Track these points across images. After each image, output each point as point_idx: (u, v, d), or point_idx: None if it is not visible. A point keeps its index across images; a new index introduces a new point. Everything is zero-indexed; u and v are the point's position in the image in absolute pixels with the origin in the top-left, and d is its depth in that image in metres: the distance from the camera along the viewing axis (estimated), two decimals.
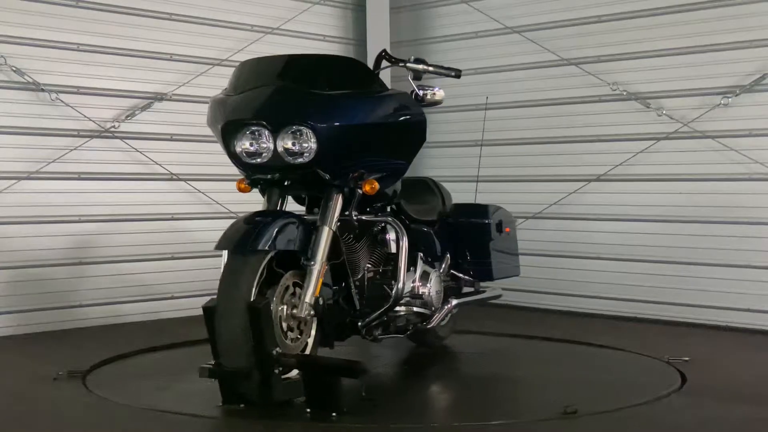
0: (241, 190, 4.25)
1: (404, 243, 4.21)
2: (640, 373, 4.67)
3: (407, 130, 4.20)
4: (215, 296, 3.75)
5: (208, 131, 6.99)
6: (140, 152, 6.33)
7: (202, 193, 6.60)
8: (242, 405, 3.79)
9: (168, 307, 6.42)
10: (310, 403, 3.79)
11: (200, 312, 3.78)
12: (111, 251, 6.21)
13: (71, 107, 6.02)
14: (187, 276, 6.54)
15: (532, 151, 6.89)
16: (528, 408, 4.05)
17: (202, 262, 6.64)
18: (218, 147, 6.52)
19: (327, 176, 3.97)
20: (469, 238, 5.16)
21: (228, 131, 3.99)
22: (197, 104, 6.62)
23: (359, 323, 4.14)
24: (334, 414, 3.71)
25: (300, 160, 3.89)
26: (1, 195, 5.74)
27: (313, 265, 3.84)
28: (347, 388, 3.78)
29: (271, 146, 3.90)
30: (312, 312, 3.82)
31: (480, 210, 5.26)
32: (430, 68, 4.35)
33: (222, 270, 3.82)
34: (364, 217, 4.24)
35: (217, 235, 3.74)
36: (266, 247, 3.73)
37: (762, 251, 5.82)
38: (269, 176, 4.06)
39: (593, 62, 6.54)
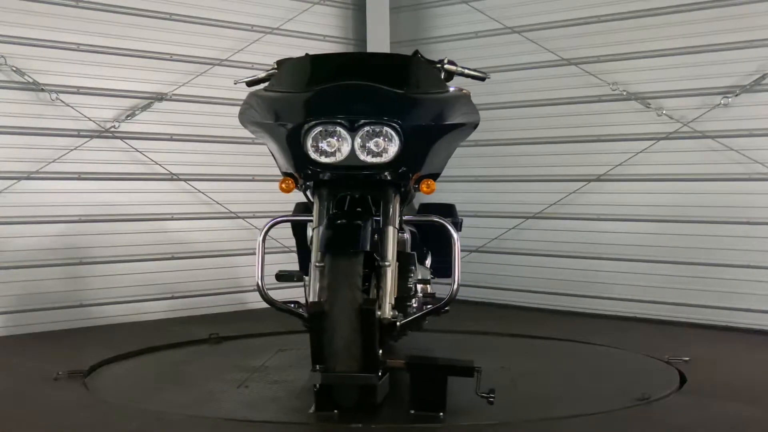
0: (283, 190, 4.04)
1: (458, 243, 4.14)
2: (640, 373, 4.67)
3: (467, 130, 4.15)
4: (315, 300, 3.63)
5: (208, 131, 7.01)
6: (140, 152, 6.33)
7: (202, 193, 6.60)
8: (336, 411, 3.68)
9: (168, 307, 6.42)
10: (416, 404, 3.73)
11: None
12: (111, 251, 6.21)
13: (71, 107, 6.02)
14: (187, 276, 6.54)
15: (532, 151, 6.89)
16: (529, 406, 4.04)
17: (202, 262, 6.65)
18: (218, 147, 6.49)
19: (398, 176, 3.90)
20: (436, 237, 5.14)
21: (296, 129, 3.80)
22: (197, 104, 6.65)
23: (398, 323, 3.98)
24: (441, 413, 3.69)
25: (379, 159, 3.79)
26: (1, 195, 5.75)
27: (388, 265, 3.78)
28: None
29: (349, 145, 3.76)
30: (396, 312, 3.77)
31: (448, 209, 5.23)
32: (466, 71, 4.33)
33: (326, 273, 3.66)
34: (415, 217, 4.20)
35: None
36: (367, 248, 3.68)
37: (762, 251, 5.81)
38: (342, 176, 3.88)
39: (593, 62, 6.54)
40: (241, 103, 4.09)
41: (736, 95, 5.90)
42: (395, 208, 3.91)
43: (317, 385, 3.63)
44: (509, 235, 6.91)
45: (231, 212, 6.67)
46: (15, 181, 5.80)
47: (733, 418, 3.76)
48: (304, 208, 4.98)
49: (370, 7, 7.62)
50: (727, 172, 5.96)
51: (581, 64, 6.59)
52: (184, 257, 6.55)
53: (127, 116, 6.30)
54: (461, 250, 4.11)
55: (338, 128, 3.75)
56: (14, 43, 5.81)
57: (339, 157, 3.77)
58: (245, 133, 6.74)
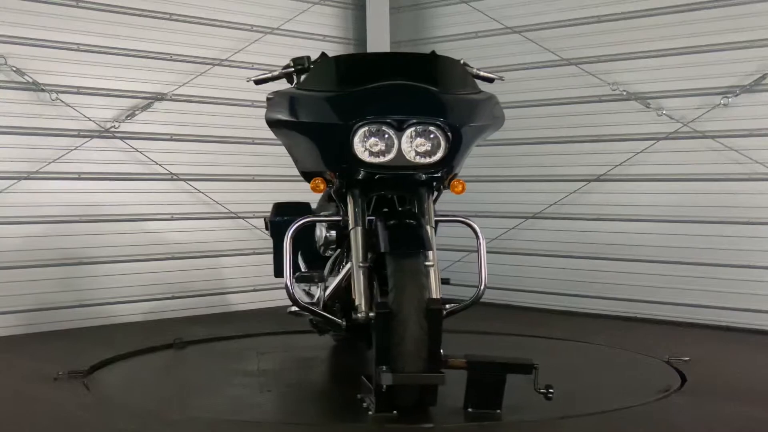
0: (315, 190, 4.04)
1: (484, 244, 4.13)
2: (640, 373, 4.67)
3: (493, 131, 4.16)
4: (382, 301, 3.61)
5: (208, 131, 7.01)
6: (140, 152, 6.33)
7: (202, 193, 6.60)
8: (395, 411, 3.64)
9: (168, 307, 6.42)
10: (473, 403, 3.74)
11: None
12: (111, 251, 6.21)
13: (71, 107, 6.02)
14: (187, 276, 6.54)
15: (532, 151, 6.89)
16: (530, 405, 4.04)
17: (202, 262, 6.65)
18: (217, 147, 6.49)
19: (441, 176, 3.91)
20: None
21: (344, 128, 3.76)
22: (197, 104, 6.65)
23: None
24: (498, 411, 3.71)
25: (426, 160, 3.79)
26: (1, 195, 5.74)
27: (431, 265, 3.77)
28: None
29: (397, 145, 3.75)
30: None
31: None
32: (480, 72, 4.33)
33: (391, 273, 3.63)
34: (441, 217, 4.19)
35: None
36: (431, 248, 3.69)
37: (762, 251, 5.82)
38: (390, 176, 3.86)
39: (593, 62, 6.54)
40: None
41: (736, 95, 5.90)
42: (431, 207, 3.94)
43: (384, 386, 3.57)
44: (509, 235, 6.90)
45: (231, 212, 6.67)
46: (15, 181, 5.80)
47: (733, 418, 3.76)
48: (285, 208, 5.00)
49: (370, 7, 7.62)
50: (727, 172, 5.96)
51: (581, 64, 6.59)
52: (184, 257, 6.55)
53: (127, 116, 6.30)
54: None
55: (387, 128, 3.75)
56: (14, 43, 5.81)
57: (387, 157, 3.77)
58: (245, 133, 6.83)
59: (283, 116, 4.01)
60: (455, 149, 3.82)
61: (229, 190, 6.73)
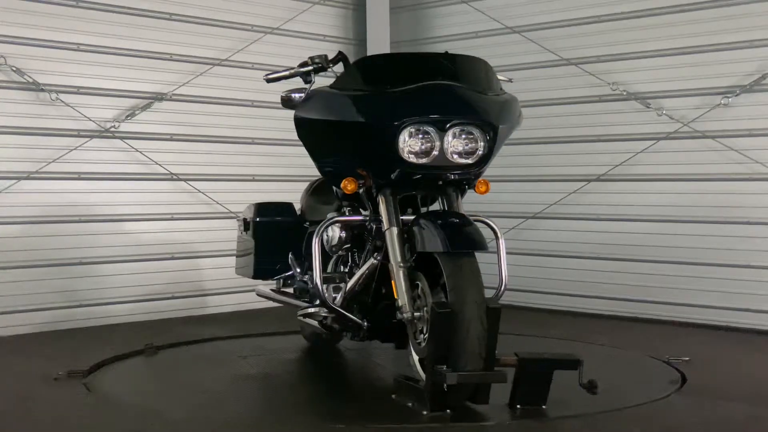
0: (349, 190, 4.01)
1: (503, 244, 4.18)
2: (640, 373, 4.66)
3: (515, 131, 4.22)
4: (442, 301, 3.61)
5: (208, 131, 7.01)
6: (140, 152, 6.33)
7: (202, 193, 6.60)
8: (448, 411, 3.65)
9: (168, 307, 6.42)
10: (521, 399, 3.77)
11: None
12: (111, 251, 6.21)
13: (71, 107, 6.02)
14: (187, 276, 6.55)
15: (532, 151, 6.89)
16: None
17: (202, 262, 6.65)
18: (218, 147, 6.48)
19: (475, 176, 3.96)
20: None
21: (387, 129, 3.76)
22: (197, 104, 6.65)
23: None
24: (543, 406, 3.75)
25: (466, 160, 3.83)
26: (1, 195, 5.75)
27: None
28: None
29: (439, 146, 3.77)
30: None
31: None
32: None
33: (449, 273, 3.63)
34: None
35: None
36: (486, 247, 3.71)
37: (762, 251, 5.81)
38: (432, 175, 3.89)
39: (593, 62, 6.54)
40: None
41: (736, 95, 5.90)
42: (461, 207, 3.98)
43: (446, 386, 3.56)
44: (509, 235, 6.89)
45: (231, 212, 6.66)
46: (15, 181, 5.80)
47: (733, 418, 3.76)
48: (268, 209, 5.00)
49: (370, 7, 7.62)
50: (727, 172, 5.96)
51: (581, 64, 6.59)
52: (184, 257, 6.55)
53: (127, 116, 6.30)
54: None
55: (431, 128, 3.76)
56: (14, 43, 5.81)
57: (429, 157, 3.78)
58: (245, 133, 6.83)
59: (321, 115, 4.00)
60: (492, 149, 3.87)
61: (229, 190, 6.73)
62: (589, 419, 3.70)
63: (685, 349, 5.01)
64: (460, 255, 3.66)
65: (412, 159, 3.77)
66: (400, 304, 3.74)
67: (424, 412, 3.64)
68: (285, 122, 6.53)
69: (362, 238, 4.27)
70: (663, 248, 6.21)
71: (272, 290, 5.21)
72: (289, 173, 6.71)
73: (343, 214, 4.39)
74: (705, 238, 6.04)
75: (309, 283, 4.82)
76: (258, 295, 5.38)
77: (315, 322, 4.55)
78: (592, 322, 6.22)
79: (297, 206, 5.21)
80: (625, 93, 6.38)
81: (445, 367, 3.52)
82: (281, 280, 5.15)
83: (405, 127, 3.74)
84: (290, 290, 5.14)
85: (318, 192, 5.02)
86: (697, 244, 6.07)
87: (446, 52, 4.18)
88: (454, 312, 3.53)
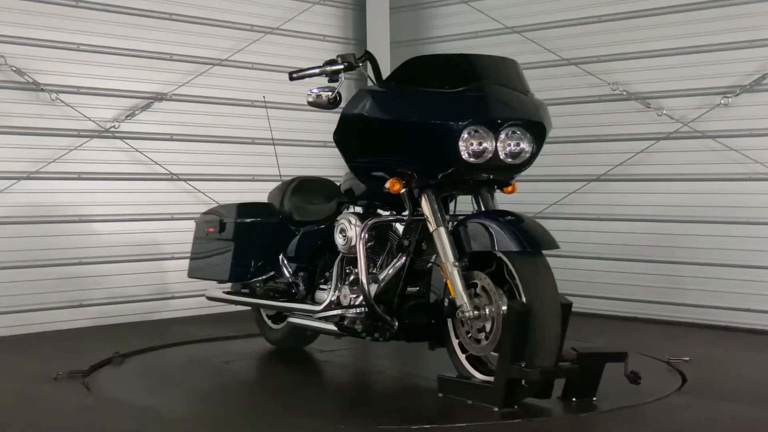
0: (395, 190, 4.02)
1: None
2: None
3: None
4: (518, 300, 3.66)
5: (208, 131, 7.00)
6: (140, 152, 6.33)
7: (202, 193, 6.60)
8: (516, 407, 3.69)
9: (168, 307, 6.43)
10: (576, 392, 3.83)
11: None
12: (111, 251, 6.21)
13: (71, 107, 6.02)
14: (187, 276, 6.53)
15: None
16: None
17: None
18: (218, 147, 6.47)
19: (515, 176, 4.07)
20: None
21: (449, 129, 3.82)
22: (197, 104, 6.65)
23: None
24: (594, 398, 3.83)
25: (515, 161, 3.95)
26: (1, 195, 5.75)
27: None
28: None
29: (493, 147, 3.87)
30: None
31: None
32: None
33: (523, 273, 3.74)
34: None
35: None
36: (557, 245, 3.87)
37: (762, 251, 5.81)
38: (482, 177, 4.00)
39: (593, 62, 6.54)
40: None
41: (736, 95, 5.90)
42: (497, 205, 4.09)
43: (527, 383, 3.62)
44: None
45: None
46: (15, 181, 5.80)
47: (733, 418, 3.75)
48: (250, 209, 5.03)
49: (370, 7, 7.62)
50: (727, 172, 5.96)
51: (581, 64, 6.59)
52: (184, 257, 6.53)
53: (127, 116, 6.30)
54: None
55: (488, 130, 3.84)
56: (14, 43, 5.81)
57: (484, 157, 3.87)
58: (245, 133, 6.83)
59: (376, 114, 3.99)
60: (538, 151, 4.00)
61: (229, 190, 6.72)
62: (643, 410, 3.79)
63: (685, 349, 5.01)
64: (533, 254, 3.78)
65: (471, 160, 3.85)
66: (458, 303, 3.81)
67: (496, 409, 3.67)
68: (285, 122, 6.57)
69: (382, 238, 4.29)
70: (663, 248, 6.21)
71: (226, 293, 5.18)
72: (289, 173, 6.69)
73: (358, 215, 4.40)
74: (705, 238, 6.04)
75: (302, 284, 4.81)
76: (209, 299, 5.34)
77: (315, 323, 4.53)
78: (591, 322, 6.21)
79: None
80: (625, 93, 6.38)
81: (523, 363, 3.58)
82: (239, 283, 5.11)
83: (467, 128, 3.82)
84: (246, 291, 5.11)
85: (300, 192, 5.01)
86: (697, 244, 6.07)
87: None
88: (534, 311, 3.61)
